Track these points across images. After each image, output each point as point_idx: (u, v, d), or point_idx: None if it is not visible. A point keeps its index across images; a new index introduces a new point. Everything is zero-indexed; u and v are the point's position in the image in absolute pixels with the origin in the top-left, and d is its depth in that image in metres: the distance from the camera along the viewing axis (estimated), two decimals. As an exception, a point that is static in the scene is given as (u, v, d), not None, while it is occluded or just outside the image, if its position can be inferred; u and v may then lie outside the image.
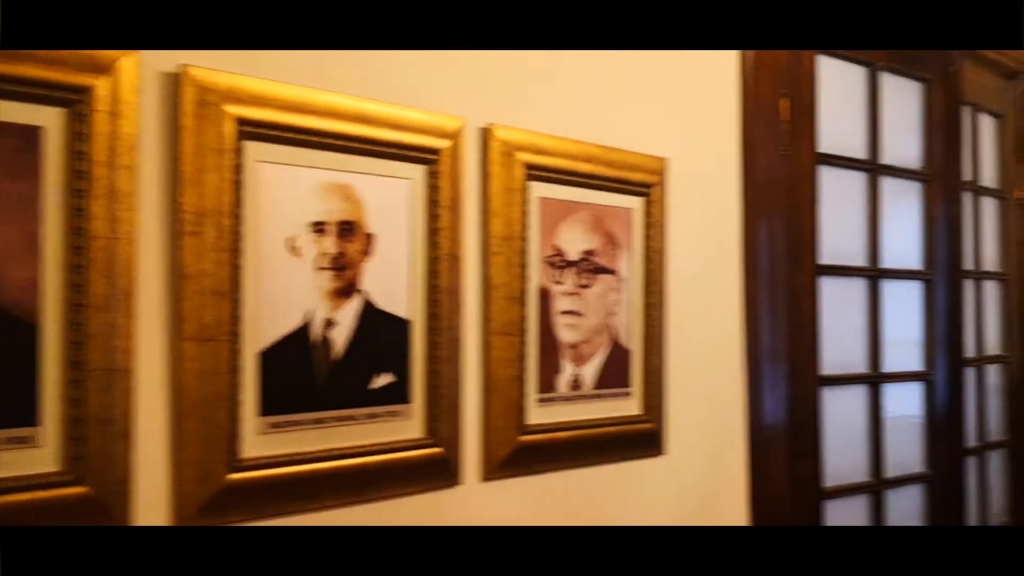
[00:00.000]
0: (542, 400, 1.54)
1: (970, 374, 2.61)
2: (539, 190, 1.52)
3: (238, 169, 1.17)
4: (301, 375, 1.24)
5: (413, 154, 1.35)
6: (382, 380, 1.33)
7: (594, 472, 1.62)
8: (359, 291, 1.30)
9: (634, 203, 1.68)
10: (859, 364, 2.22)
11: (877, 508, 2.24)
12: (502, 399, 1.47)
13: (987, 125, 2.80)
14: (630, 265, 1.67)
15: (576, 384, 1.59)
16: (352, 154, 1.29)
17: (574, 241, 1.58)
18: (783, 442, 1.96)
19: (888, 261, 2.27)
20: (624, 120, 1.68)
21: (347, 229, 1.28)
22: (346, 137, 1.27)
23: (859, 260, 2.22)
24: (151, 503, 1.11)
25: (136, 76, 1.08)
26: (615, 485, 1.66)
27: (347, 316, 1.28)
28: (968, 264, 2.61)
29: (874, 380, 2.24)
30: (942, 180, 2.38)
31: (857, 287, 2.22)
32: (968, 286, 2.61)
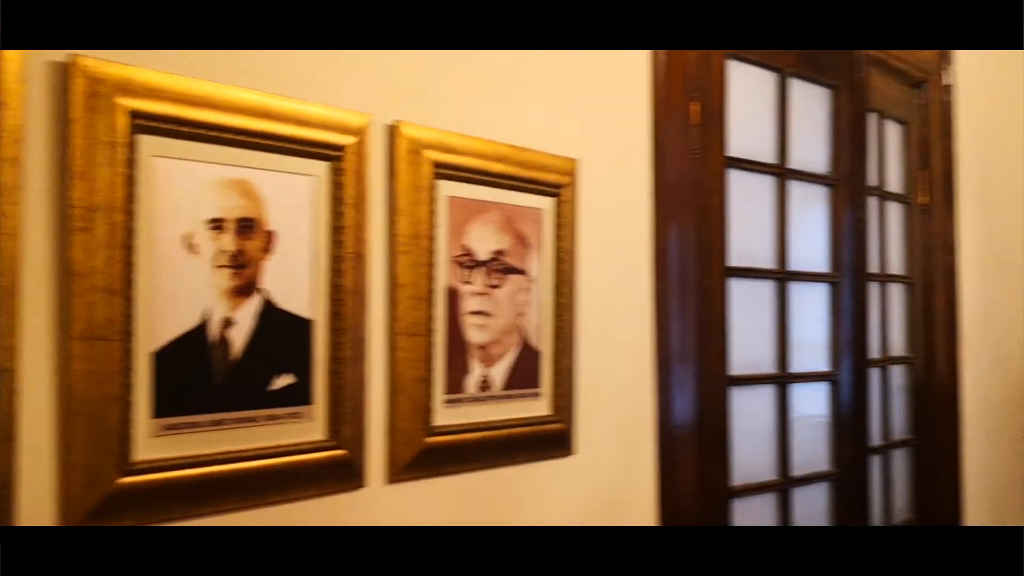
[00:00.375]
0: (450, 401, 1.53)
1: (875, 375, 2.69)
2: (448, 189, 1.51)
3: (131, 163, 1.13)
4: (198, 376, 1.21)
5: (316, 150, 1.32)
6: (283, 381, 1.30)
7: (503, 473, 1.62)
8: (259, 290, 1.27)
9: (545, 203, 1.68)
10: (767, 364, 2.26)
11: (784, 506, 2.28)
12: (408, 400, 1.45)
13: (893, 132, 2.88)
14: (540, 265, 1.67)
15: (485, 385, 1.58)
16: (252, 149, 1.25)
17: (484, 241, 1.57)
18: (692, 442, 1.98)
19: (796, 264, 2.32)
20: (535, 120, 1.68)
21: (246, 226, 1.25)
22: (246, 132, 1.24)
23: (768, 263, 2.26)
24: (35, 509, 1.07)
25: (22, 65, 1.04)
26: (524, 486, 1.66)
27: (246, 315, 1.25)
28: (874, 267, 2.68)
29: (782, 380, 2.29)
30: (848, 185, 2.43)
31: (766, 289, 2.26)
32: (874, 289, 2.69)
